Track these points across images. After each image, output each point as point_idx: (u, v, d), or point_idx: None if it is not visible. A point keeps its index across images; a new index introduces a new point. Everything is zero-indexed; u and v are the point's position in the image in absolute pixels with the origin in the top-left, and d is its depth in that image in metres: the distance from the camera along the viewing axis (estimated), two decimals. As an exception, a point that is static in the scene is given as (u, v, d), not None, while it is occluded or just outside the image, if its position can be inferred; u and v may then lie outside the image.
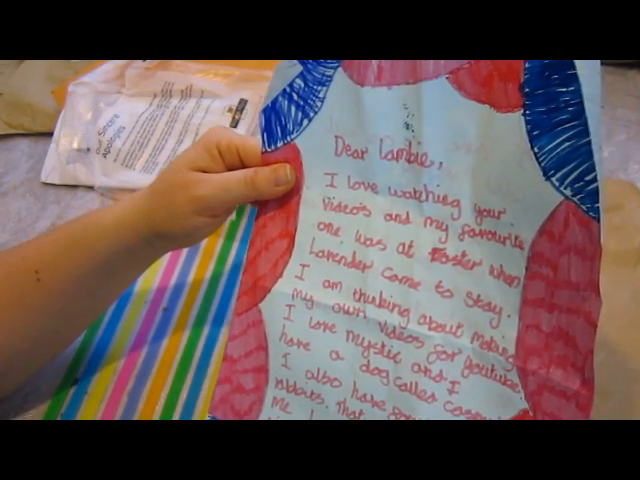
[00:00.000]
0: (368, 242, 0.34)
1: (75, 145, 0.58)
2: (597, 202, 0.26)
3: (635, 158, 0.48)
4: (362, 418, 0.33)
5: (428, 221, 0.33)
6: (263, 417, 0.36)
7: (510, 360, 0.30)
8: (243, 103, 0.58)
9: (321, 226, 0.35)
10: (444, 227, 0.32)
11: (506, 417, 0.30)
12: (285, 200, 0.36)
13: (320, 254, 0.35)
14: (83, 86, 0.61)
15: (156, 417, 0.41)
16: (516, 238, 0.30)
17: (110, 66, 0.62)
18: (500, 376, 0.30)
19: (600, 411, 0.32)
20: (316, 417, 0.35)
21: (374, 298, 0.34)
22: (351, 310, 0.34)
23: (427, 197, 0.32)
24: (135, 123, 0.60)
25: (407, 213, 0.33)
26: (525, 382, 0.29)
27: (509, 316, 0.30)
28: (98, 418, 0.41)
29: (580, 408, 0.27)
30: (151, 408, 0.41)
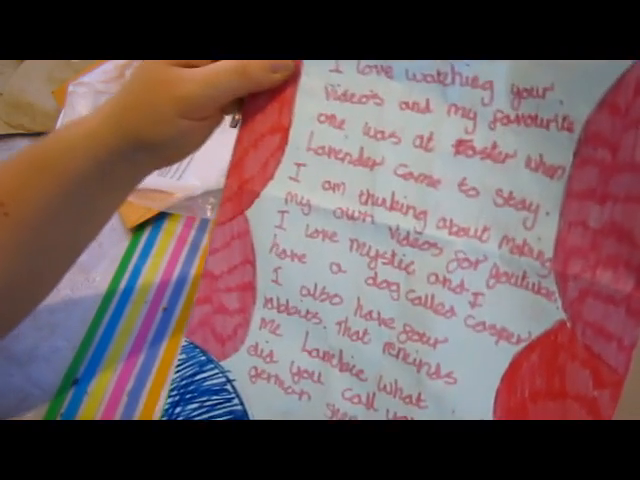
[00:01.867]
0: (379, 135, 0.29)
1: (75, 145, 0.58)
2: None
3: (635, 158, 0.48)
4: (366, 338, 0.30)
5: (452, 109, 0.28)
6: (249, 341, 0.33)
7: (547, 265, 0.26)
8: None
9: (322, 118, 0.31)
10: (472, 115, 0.27)
11: (539, 331, 0.26)
12: (278, 88, 0.31)
13: (320, 150, 0.31)
14: (83, 86, 0.61)
15: (156, 417, 0.41)
16: (564, 119, 0.25)
17: (110, 66, 0.62)
18: (533, 284, 0.26)
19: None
20: (311, 339, 0.31)
21: (384, 200, 0.29)
22: (356, 215, 0.30)
23: (453, 80, 0.27)
24: (135, 123, 0.60)
25: (427, 100, 0.28)
26: (564, 289, 0.25)
27: (547, 214, 0.26)
28: (98, 418, 0.41)
29: (631, 314, 0.23)
30: (151, 408, 0.41)
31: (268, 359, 0.33)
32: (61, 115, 0.60)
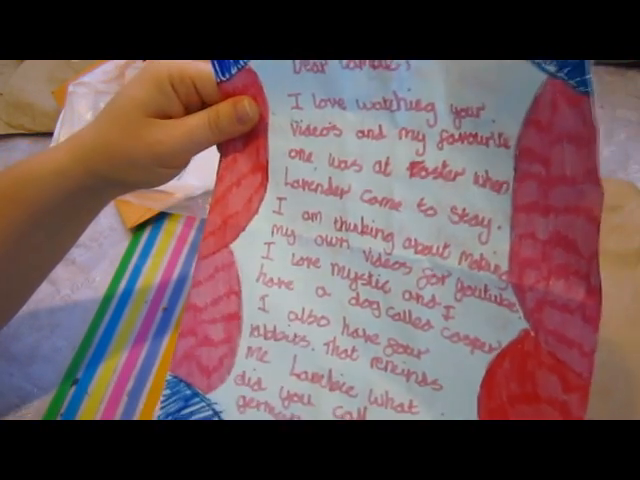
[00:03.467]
0: (342, 165, 0.31)
1: (75, 145, 0.58)
2: (586, 73, 0.23)
3: (635, 158, 0.48)
4: (355, 355, 0.31)
5: (403, 132, 0.29)
6: (236, 371, 0.33)
7: (504, 278, 0.27)
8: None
9: (292, 153, 0.32)
10: (420, 137, 0.29)
11: (507, 340, 0.27)
12: (252, 131, 0.33)
13: (295, 184, 0.32)
14: (83, 86, 0.61)
15: (156, 417, 0.41)
16: (500, 136, 0.26)
17: (110, 66, 0.62)
18: (495, 296, 0.27)
19: (600, 411, 0.32)
20: (300, 362, 0.32)
21: (356, 225, 0.31)
22: (334, 241, 0.31)
23: (399, 105, 0.29)
24: (135, 123, 0.60)
25: (380, 126, 0.30)
26: (523, 300, 0.26)
27: (499, 228, 0.27)
28: (98, 418, 0.41)
29: (587, 321, 0.24)
30: (151, 408, 0.41)
31: (256, 387, 0.33)
32: (61, 115, 0.60)
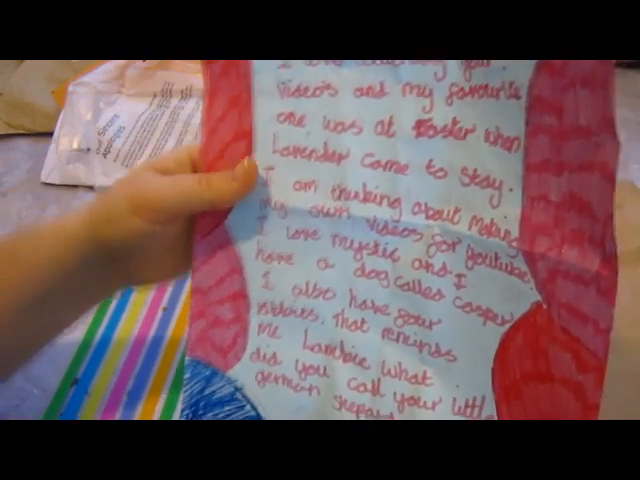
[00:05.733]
0: (339, 127, 0.28)
1: (75, 145, 0.58)
2: None
3: (635, 158, 0.48)
4: (365, 327, 0.30)
5: (407, 88, 0.27)
6: (250, 348, 0.33)
7: (514, 245, 0.25)
8: (243, 103, 0.58)
9: (281, 118, 0.30)
10: (427, 92, 0.26)
11: (519, 312, 0.25)
12: (233, 93, 0.30)
13: (285, 152, 0.30)
14: (83, 86, 0.61)
15: (156, 417, 0.41)
16: (510, 85, 0.24)
17: (110, 66, 0.62)
18: (506, 265, 0.25)
19: (600, 411, 0.32)
20: (311, 335, 0.31)
21: (357, 193, 0.29)
22: (332, 211, 0.29)
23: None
24: (135, 123, 0.60)
25: (381, 83, 0.27)
26: (534, 269, 0.24)
27: (511, 190, 0.25)
28: (98, 418, 0.41)
29: (602, 293, 0.22)
30: (151, 408, 0.41)
31: (272, 362, 0.33)
32: (61, 115, 0.60)
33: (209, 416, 0.34)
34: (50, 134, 0.61)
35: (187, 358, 0.34)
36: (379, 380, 0.30)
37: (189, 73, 0.62)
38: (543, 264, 0.24)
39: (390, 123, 0.27)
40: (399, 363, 0.30)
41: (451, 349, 0.28)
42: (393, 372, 0.30)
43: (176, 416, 0.41)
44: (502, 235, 0.25)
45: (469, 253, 0.27)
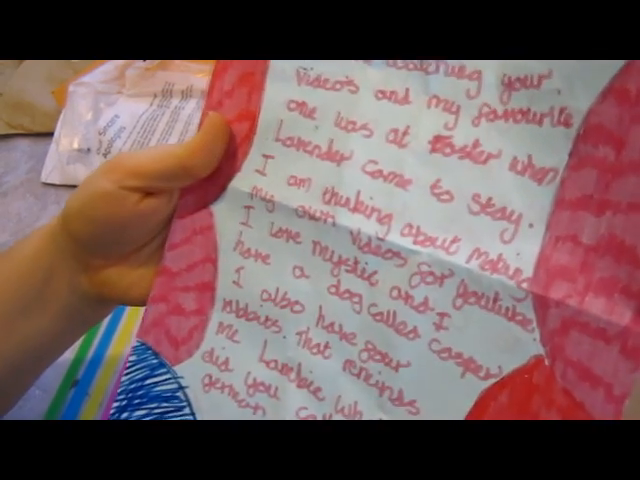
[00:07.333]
0: (350, 126, 0.26)
1: (75, 145, 0.58)
2: None
3: None
4: (327, 353, 0.27)
5: (434, 101, 0.25)
6: (205, 347, 0.30)
7: (524, 285, 0.22)
8: (243, 103, 0.58)
9: (292, 105, 0.28)
10: (454, 108, 0.24)
11: (511, 366, 0.22)
12: (247, 69, 0.29)
13: (288, 142, 0.28)
14: (83, 86, 0.61)
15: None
16: (561, 112, 0.21)
17: (110, 66, 0.62)
18: (507, 308, 0.22)
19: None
20: (270, 349, 0.29)
21: (348, 199, 0.26)
22: (317, 215, 0.27)
23: (437, 68, 0.24)
24: (136, 123, 0.60)
25: (407, 90, 0.25)
26: (544, 317, 0.21)
27: (531, 225, 0.22)
28: (98, 419, 0.41)
29: (626, 353, 0.19)
30: (151, 409, 0.41)
31: (223, 367, 0.30)
32: (61, 115, 0.60)
33: (144, 409, 0.32)
34: (50, 134, 0.61)
35: (136, 340, 0.31)
36: (330, 417, 0.27)
37: (190, 73, 0.62)
38: (557, 312, 0.21)
39: (405, 133, 0.25)
40: (355, 403, 0.26)
41: (415, 399, 0.25)
42: (347, 411, 0.27)
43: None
44: (511, 273, 0.22)
45: (460, 290, 0.23)
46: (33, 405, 0.42)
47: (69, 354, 0.45)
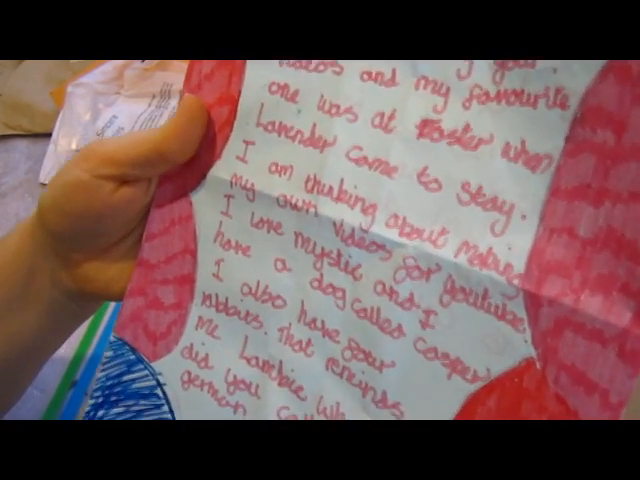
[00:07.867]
0: (334, 110, 0.25)
1: (74, 146, 0.58)
2: None
3: None
4: (309, 350, 0.26)
5: (422, 82, 0.23)
6: (184, 342, 0.29)
7: (515, 282, 0.20)
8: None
9: (274, 87, 0.26)
10: (444, 90, 0.22)
11: (499, 368, 0.21)
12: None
13: (270, 127, 0.26)
14: (82, 87, 0.61)
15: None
16: (557, 92, 0.20)
17: (108, 67, 0.62)
18: (496, 306, 0.21)
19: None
20: (251, 345, 0.28)
21: (331, 188, 0.25)
22: (300, 204, 0.25)
23: None
24: (134, 124, 0.60)
25: (393, 70, 0.24)
26: (535, 316, 0.20)
27: (524, 217, 0.21)
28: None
29: (625, 357, 0.18)
30: (150, 409, 0.41)
31: (203, 364, 0.29)
32: (60, 116, 0.60)
33: (121, 407, 0.31)
34: (49, 135, 0.61)
35: (113, 335, 0.31)
36: (312, 418, 0.26)
37: (188, 74, 0.62)
38: (550, 311, 0.20)
39: (391, 117, 0.24)
40: (337, 404, 0.25)
41: (399, 402, 0.24)
42: (329, 412, 0.26)
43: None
44: (501, 269, 0.21)
45: (447, 286, 0.22)
46: (32, 405, 0.42)
47: (68, 354, 0.45)
